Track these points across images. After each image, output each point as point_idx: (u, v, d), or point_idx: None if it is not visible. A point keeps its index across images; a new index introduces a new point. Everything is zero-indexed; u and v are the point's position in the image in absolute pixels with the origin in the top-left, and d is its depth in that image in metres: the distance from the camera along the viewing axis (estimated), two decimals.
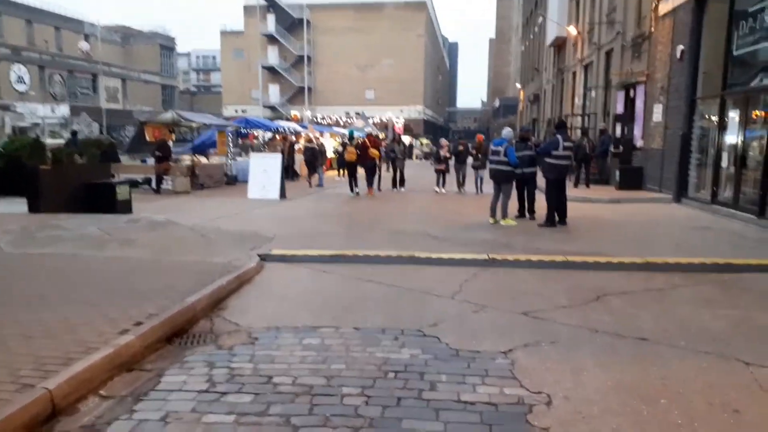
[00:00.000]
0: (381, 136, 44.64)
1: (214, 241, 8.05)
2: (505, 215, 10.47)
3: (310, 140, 21.31)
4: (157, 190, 16.69)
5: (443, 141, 17.61)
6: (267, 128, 23.27)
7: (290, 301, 5.60)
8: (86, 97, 55.91)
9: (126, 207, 11.64)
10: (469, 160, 17.00)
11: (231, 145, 21.96)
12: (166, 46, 72.00)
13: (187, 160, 18.74)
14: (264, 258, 7.23)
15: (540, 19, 40.36)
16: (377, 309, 5.27)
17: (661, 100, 14.98)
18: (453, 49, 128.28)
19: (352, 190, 16.28)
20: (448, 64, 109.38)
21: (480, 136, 17.27)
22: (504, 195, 10.49)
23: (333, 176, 24.33)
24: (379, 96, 62.39)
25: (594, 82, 23.15)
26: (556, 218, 10.16)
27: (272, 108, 63.09)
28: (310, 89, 63.43)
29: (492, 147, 10.55)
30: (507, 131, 10.64)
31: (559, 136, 10.04)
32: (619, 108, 18.74)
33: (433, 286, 6.01)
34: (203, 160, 20.18)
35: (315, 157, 20.12)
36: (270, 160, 15.75)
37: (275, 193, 15.15)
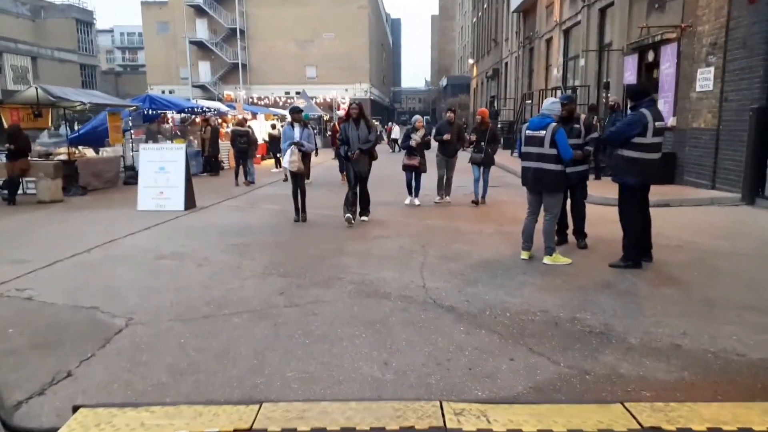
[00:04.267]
0: (325, 117, 39.87)
1: None
2: (551, 248, 6.17)
3: (241, 123, 16.47)
4: (11, 200, 11.57)
5: (418, 119, 10.76)
6: (179, 108, 18.17)
7: None
8: None
9: None
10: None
11: (131, 131, 16.92)
12: (83, 21, 64.12)
13: (60, 154, 13.61)
14: None
15: None
16: None
17: (711, 61, 11.00)
18: (396, 25, 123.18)
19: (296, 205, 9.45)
20: (391, 41, 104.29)
21: (484, 111, 11.01)
22: (549, 213, 6.18)
23: (269, 167, 19.57)
24: (321, 74, 57.09)
25: (583, 47, 19.15)
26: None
27: (203, 87, 56.91)
28: (244, 66, 57.41)
29: (527, 131, 6.15)
30: (552, 103, 6.19)
31: (645, 112, 5.77)
32: (630, 77, 14.71)
33: None
34: (89, 153, 15.05)
35: (250, 144, 15.40)
36: (170, 152, 10.86)
37: (178, 203, 10.37)
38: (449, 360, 3.65)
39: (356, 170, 8.72)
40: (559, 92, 18.91)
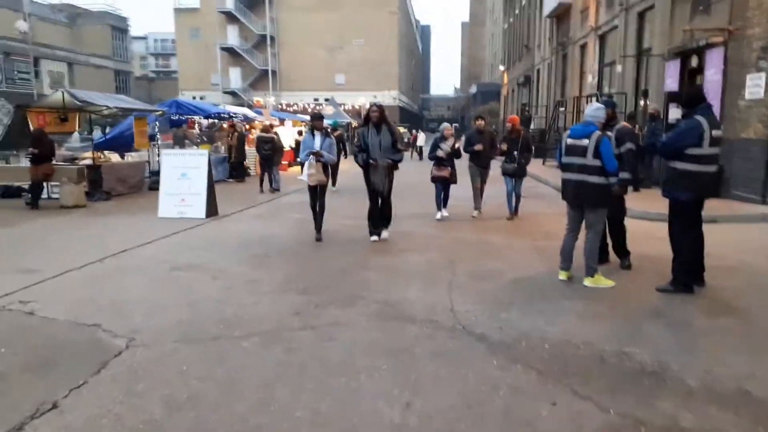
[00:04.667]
0: (354, 124, 39.58)
1: None
2: (593, 269, 5.64)
3: (267, 129, 16.23)
4: (34, 204, 11.46)
5: (447, 127, 9.87)
6: (206, 113, 18.04)
7: None
8: (26, 83, 49.57)
9: None
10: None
11: (158, 136, 16.80)
12: (118, 28, 65.30)
13: (85, 159, 13.51)
14: None
15: None
16: None
17: (762, 66, 10.33)
18: (425, 32, 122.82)
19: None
20: (420, 48, 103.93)
21: (515, 118, 10.15)
22: (592, 230, 5.67)
23: (296, 173, 19.24)
24: (350, 80, 57.00)
25: (621, 52, 18.45)
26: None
27: (233, 93, 57.27)
28: (274, 72, 57.70)
29: (568, 140, 5.66)
30: (596, 109, 5.65)
31: (701, 119, 5.24)
32: (671, 84, 14.04)
33: None
34: (114, 158, 14.96)
35: (275, 151, 15.17)
36: (192, 158, 10.63)
37: (199, 210, 10.11)
38: (481, 403, 3.19)
39: (374, 182, 7.76)
40: (594, 99, 18.24)
